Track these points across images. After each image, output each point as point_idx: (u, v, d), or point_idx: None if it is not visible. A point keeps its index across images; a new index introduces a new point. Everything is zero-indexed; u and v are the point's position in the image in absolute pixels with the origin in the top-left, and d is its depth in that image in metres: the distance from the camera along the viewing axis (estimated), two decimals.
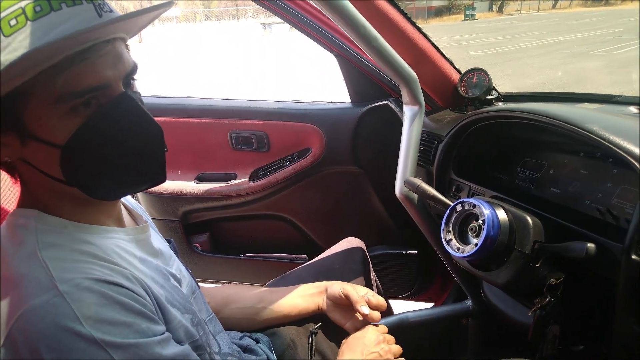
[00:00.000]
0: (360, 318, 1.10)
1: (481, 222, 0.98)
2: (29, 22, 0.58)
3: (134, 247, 0.78)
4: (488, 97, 1.41)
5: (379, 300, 1.11)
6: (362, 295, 1.10)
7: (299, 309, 1.16)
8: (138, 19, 0.69)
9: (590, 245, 0.85)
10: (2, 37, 0.57)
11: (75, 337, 0.59)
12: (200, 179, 1.98)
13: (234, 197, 1.93)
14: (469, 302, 1.62)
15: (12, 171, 0.72)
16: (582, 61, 10.89)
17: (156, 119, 0.71)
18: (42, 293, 0.61)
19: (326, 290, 1.16)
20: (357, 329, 1.11)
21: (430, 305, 2.02)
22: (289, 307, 1.16)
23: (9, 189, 0.97)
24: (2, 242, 0.70)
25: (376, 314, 1.08)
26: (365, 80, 1.75)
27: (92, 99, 0.64)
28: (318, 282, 1.21)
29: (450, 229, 1.06)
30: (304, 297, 1.18)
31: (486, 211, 0.97)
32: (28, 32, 0.58)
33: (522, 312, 1.20)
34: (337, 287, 1.13)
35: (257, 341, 1.12)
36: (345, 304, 1.13)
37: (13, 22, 0.57)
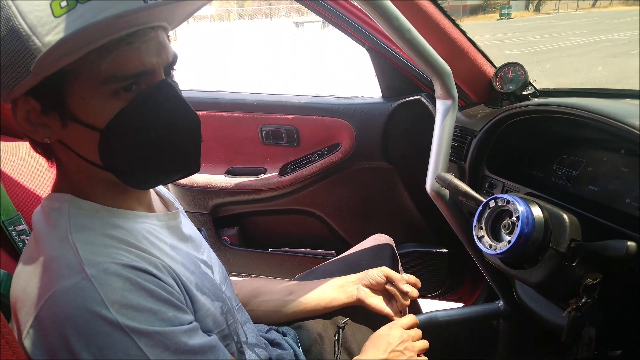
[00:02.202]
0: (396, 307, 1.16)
1: (515, 218, 0.95)
2: (78, 4, 0.59)
3: (166, 233, 0.78)
4: (524, 93, 1.36)
5: (412, 277, 1.19)
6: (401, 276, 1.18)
7: (327, 300, 1.16)
8: (181, 8, 0.70)
9: (631, 243, 0.82)
10: (52, 17, 0.59)
11: (101, 321, 0.60)
12: (230, 172, 2.00)
13: (263, 192, 1.94)
14: (500, 303, 1.59)
15: (49, 154, 0.73)
16: (623, 61, 10.54)
17: None
18: (71, 275, 0.61)
19: (360, 279, 1.18)
20: (396, 313, 1.16)
21: (460, 305, 1.99)
22: (318, 298, 1.16)
23: (44, 175, 1.00)
24: (37, 225, 0.71)
25: (414, 291, 1.15)
26: (397, 74, 1.73)
27: (133, 85, 0.65)
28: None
29: (483, 225, 1.04)
30: (333, 287, 1.18)
31: (520, 207, 0.95)
32: (78, 14, 0.59)
33: (556, 313, 1.16)
34: (375, 271, 1.18)
35: (283, 334, 1.12)
36: (382, 289, 1.16)
37: (64, 3, 0.59)
